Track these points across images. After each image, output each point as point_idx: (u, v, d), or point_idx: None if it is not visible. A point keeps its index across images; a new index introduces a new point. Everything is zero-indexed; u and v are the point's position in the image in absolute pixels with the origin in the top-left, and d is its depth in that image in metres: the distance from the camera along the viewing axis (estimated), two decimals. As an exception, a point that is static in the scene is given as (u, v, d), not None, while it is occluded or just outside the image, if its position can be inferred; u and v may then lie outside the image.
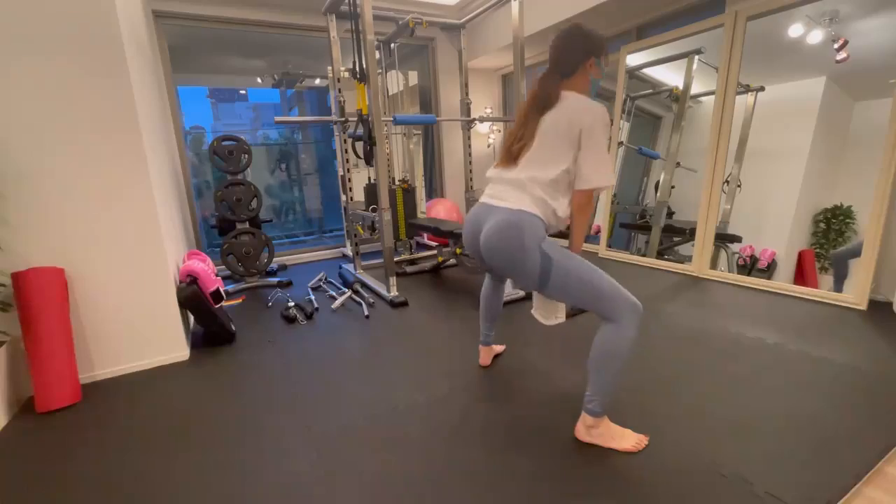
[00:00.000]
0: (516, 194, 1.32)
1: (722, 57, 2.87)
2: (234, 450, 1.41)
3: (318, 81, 5.60)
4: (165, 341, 2.08)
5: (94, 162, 1.85)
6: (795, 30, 2.60)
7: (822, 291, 2.42)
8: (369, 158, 2.70)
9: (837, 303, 2.33)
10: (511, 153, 1.37)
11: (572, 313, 1.46)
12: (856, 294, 2.27)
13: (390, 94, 4.45)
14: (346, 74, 3.21)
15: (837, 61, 2.43)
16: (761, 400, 1.51)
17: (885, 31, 2.26)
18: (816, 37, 2.53)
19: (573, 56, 1.34)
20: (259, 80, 6.11)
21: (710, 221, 2.98)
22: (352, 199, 3.41)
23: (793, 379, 1.63)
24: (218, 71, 6.14)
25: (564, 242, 1.39)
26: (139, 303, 2.00)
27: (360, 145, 2.82)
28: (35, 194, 1.77)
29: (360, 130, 2.76)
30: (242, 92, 6.38)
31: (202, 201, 4.87)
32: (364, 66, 2.57)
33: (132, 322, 1.99)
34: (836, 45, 2.42)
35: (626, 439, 1.30)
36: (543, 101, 1.32)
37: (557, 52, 1.36)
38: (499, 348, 1.96)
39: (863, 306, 2.23)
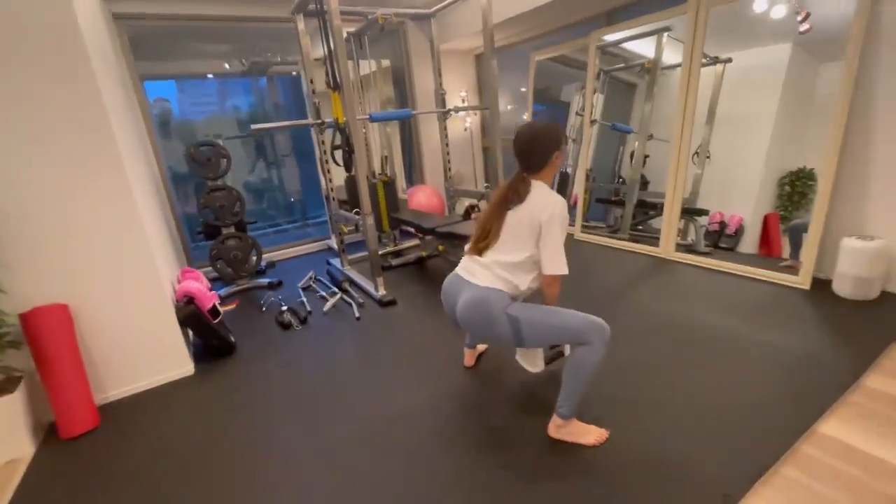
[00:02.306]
0: (483, 272, 1.54)
1: (686, 41, 2.95)
2: (247, 465, 1.60)
3: (294, 73, 5.46)
4: (170, 359, 2.23)
5: (83, 197, 1.92)
6: (760, 5, 2.66)
7: (771, 272, 2.65)
8: (349, 166, 2.77)
9: (784, 283, 2.56)
10: (478, 247, 1.58)
11: (549, 360, 1.68)
12: (802, 273, 2.51)
13: (362, 74, 4.40)
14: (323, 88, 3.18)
15: (801, 32, 2.51)
16: (710, 388, 1.74)
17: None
18: (780, 11, 2.62)
19: (541, 157, 1.52)
20: (227, 65, 5.91)
21: (676, 205, 3.16)
22: (333, 196, 3.49)
23: (738, 365, 1.87)
24: (183, 56, 5.91)
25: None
26: (142, 325, 2.12)
27: (338, 152, 2.88)
28: (30, 236, 1.84)
29: (339, 139, 2.81)
30: (210, 76, 6.17)
31: (178, 189, 4.77)
32: (337, 75, 2.60)
33: (137, 344, 2.12)
34: (798, 18, 2.50)
35: (590, 435, 1.52)
36: (513, 199, 1.52)
37: (525, 156, 1.54)
38: (482, 347, 2.16)
39: (806, 286, 2.48)
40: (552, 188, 1.57)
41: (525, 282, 1.54)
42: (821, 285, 2.47)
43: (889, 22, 2.15)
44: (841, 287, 2.35)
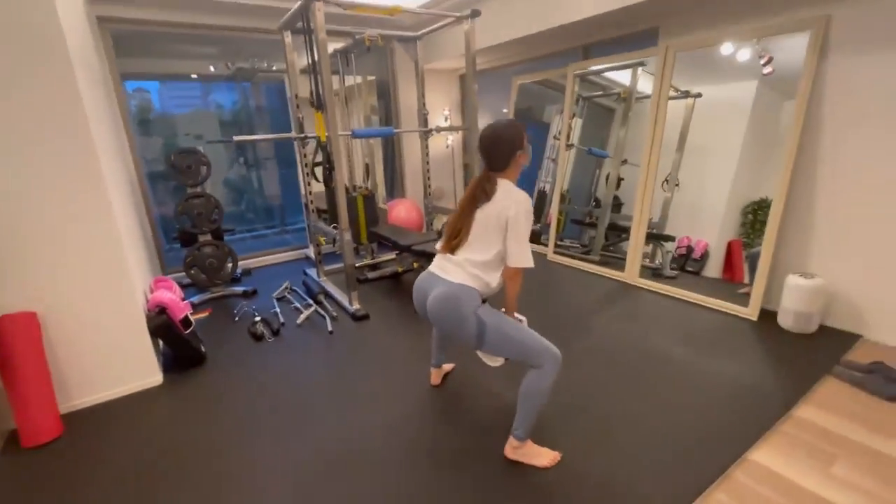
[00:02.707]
0: (456, 270, 1.60)
1: (654, 79, 3.14)
2: (211, 479, 1.63)
3: (280, 80, 5.48)
4: (139, 368, 2.23)
5: (57, 203, 1.92)
6: (726, 48, 2.84)
7: (724, 302, 2.83)
8: (329, 182, 2.84)
9: (735, 313, 2.74)
10: (450, 245, 1.64)
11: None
12: (750, 305, 2.69)
13: (348, 85, 4.47)
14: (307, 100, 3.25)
15: (764, 74, 2.70)
16: (656, 413, 1.87)
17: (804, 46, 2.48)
18: (745, 54, 2.81)
19: (505, 156, 1.59)
20: (212, 68, 5.89)
21: (641, 232, 3.33)
22: (313, 207, 3.54)
23: (684, 391, 2.01)
24: (166, 55, 5.86)
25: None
26: (112, 334, 2.13)
27: (318, 168, 2.94)
28: (2, 244, 1.84)
29: (320, 155, 2.87)
30: (194, 77, 6.13)
31: (155, 188, 4.71)
32: (321, 95, 2.67)
33: (106, 353, 2.12)
34: (762, 61, 2.68)
35: (543, 457, 1.62)
36: (481, 198, 1.58)
37: (490, 154, 1.60)
38: (448, 367, 2.24)
39: (754, 317, 2.66)
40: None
41: (495, 279, 1.61)
42: (768, 316, 2.66)
43: (833, 73, 2.36)
44: (784, 320, 2.54)
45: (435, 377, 2.14)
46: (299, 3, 2.58)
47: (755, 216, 2.94)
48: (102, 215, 2.04)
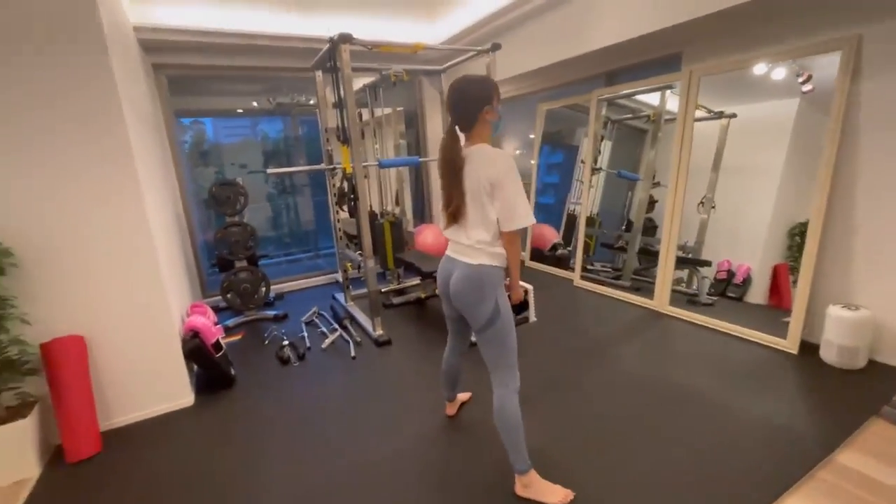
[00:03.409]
0: (472, 251, 1.55)
1: (680, 103, 3.09)
2: (235, 499, 1.70)
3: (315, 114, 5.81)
4: (173, 389, 2.37)
5: (103, 238, 2.11)
6: (759, 68, 2.75)
7: (761, 334, 2.67)
8: (353, 212, 2.95)
9: (773, 345, 2.58)
10: (451, 216, 1.57)
11: (516, 325, 1.66)
12: (790, 338, 2.53)
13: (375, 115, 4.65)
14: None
15: (804, 92, 2.59)
16: (680, 454, 1.78)
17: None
18: (780, 73, 2.71)
19: (469, 110, 1.52)
20: (255, 103, 6.32)
21: (671, 257, 3.22)
22: (341, 234, 3.67)
23: (711, 431, 1.90)
24: (214, 93, 6.35)
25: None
26: (150, 357, 2.28)
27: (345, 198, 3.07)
28: (51, 270, 2.03)
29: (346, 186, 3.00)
30: (240, 111, 6.58)
31: (203, 213, 5.01)
32: (346, 129, 2.81)
33: (144, 374, 2.27)
34: (800, 80, 2.57)
35: (556, 494, 1.57)
36: (452, 164, 1.53)
37: (453, 109, 1.54)
38: (464, 397, 2.24)
39: (794, 350, 2.49)
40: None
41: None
42: (809, 349, 2.48)
43: (867, 92, 2.25)
44: (827, 354, 2.36)
45: (450, 409, 2.14)
46: (328, 45, 2.76)
47: (802, 238, 2.77)
48: (145, 249, 2.21)
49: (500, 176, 1.45)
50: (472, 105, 1.52)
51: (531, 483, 1.58)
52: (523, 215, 1.46)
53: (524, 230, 1.59)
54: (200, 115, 5.93)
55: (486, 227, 1.52)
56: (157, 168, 3.09)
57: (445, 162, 1.55)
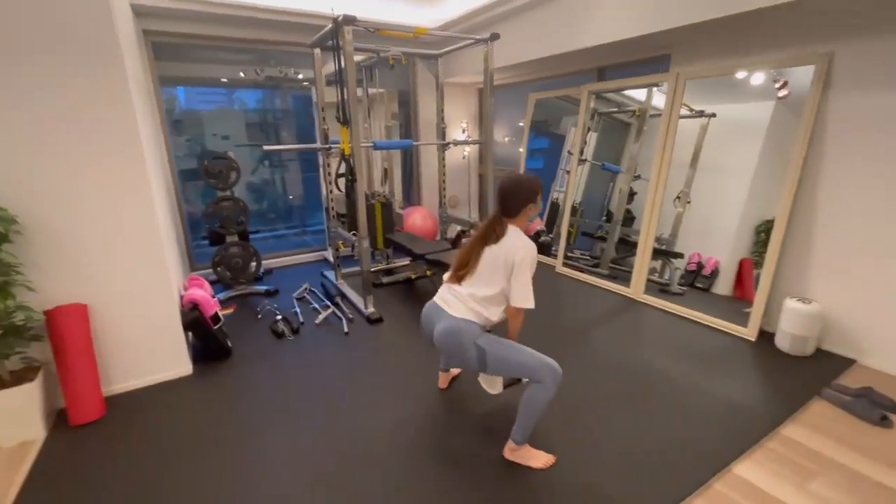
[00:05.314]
0: (458, 304, 1.78)
1: (665, 103, 3.25)
2: (234, 462, 1.82)
3: (307, 90, 5.70)
4: (172, 359, 2.44)
5: (107, 208, 2.14)
6: (740, 73, 2.91)
7: (724, 322, 2.92)
8: (350, 193, 3.02)
9: (735, 333, 2.83)
10: (458, 276, 1.81)
11: (507, 384, 1.91)
12: (750, 326, 2.78)
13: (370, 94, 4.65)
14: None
15: (779, 97, 2.77)
16: (646, 426, 1.99)
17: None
18: (759, 78, 2.89)
19: (518, 205, 1.76)
20: (242, 73, 6.15)
21: (648, 249, 3.43)
22: (333, 212, 3.73)
23: (675, 408, 2.12)
24: (198, 60, 6.13)
25: None
26: (150, 327, 2.34)
27: (341, 179, 3.13)
28: (58, 239, 2.06)
29: (343, 167, 3.06)
30: (224, 81, 6.38)
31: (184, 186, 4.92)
32: (347, 111, 2.86)
33: (144, 343, 2.34)
34: (777, 85, 2.76)
35: (539, 459, 1.76)
36: (491, 237, 1.75)
37: (505, 201, 1.77)
38: (456, 371, 2.39)
39: (753, 338, 2.75)
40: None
41: (496, 314, 1.78)
42: (766, 338, 2.74)
43: (835, 106, 2.45)
44: (781, 342, 2.62)
45: (442, 381, 2.29)
46: (331, 24, 2.77)
47: (767, 235, 2.99)
48: (147, 218, 2.25)
49: (526, 262, 1.69)
50: (522, 200, 1.76)
51: (519, 449, 1.76)
52: (530, 299, 1.71)
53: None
54: (183, 84, 5.75)
55: (486, 288, 1.74)
56: (151, 138, 3.06)
57: (482, 237, 1.77)
